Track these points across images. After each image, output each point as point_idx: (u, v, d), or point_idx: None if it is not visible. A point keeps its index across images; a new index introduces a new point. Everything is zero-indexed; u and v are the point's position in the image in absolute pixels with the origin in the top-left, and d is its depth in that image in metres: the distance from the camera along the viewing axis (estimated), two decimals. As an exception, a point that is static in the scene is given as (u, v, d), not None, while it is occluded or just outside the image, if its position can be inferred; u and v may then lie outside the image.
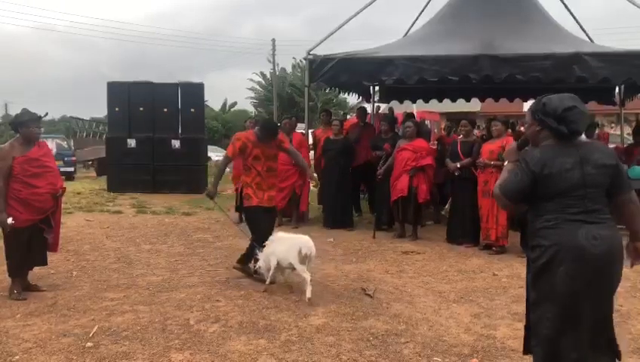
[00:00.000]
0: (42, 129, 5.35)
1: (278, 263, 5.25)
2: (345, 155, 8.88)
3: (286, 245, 5.23)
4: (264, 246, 5.39)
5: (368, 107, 12.10)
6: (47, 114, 5.37)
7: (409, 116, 10.58)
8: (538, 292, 2.86)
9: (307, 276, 5.03)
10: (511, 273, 6.18)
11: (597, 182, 2.78)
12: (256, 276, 5.64)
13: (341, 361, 3.78)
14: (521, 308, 4.93)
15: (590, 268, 2.71)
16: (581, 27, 10.59)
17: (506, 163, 3.16)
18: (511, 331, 4.37)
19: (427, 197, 7.97)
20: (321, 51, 8.92)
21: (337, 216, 8.82)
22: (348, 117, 13.02)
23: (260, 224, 5.74)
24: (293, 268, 5.20)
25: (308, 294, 4.93)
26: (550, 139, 2.85)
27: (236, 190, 9.65)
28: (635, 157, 8.63)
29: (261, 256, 5.40)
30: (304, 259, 5.10)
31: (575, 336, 2.77)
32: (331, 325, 4.46)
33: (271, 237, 5.41)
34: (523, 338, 3.13)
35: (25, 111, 5.23)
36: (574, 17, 10.61)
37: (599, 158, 2.80)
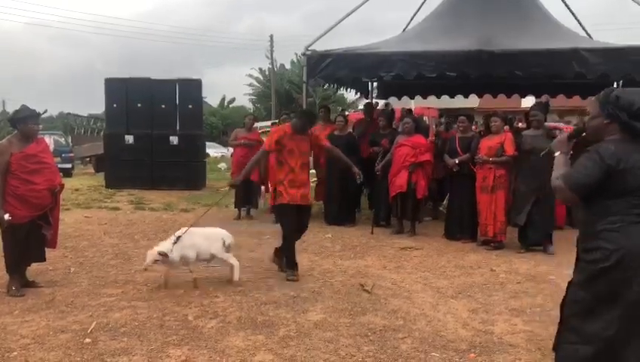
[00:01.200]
0: (41, 126, 5.34)
1: (196, 256, 5.40)
2: (349, 151, 8.84)
3: (208, 238, 5.49)
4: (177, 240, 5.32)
5: (365, 102, 12.10)
6: (46, 111, 5.37)
7: (408, 112, 10.58)
8: (594, 295, 2.72)
9: (235, 261, 5.48)
10: (509, 268, 6.19)
11: None
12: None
13: (339, 357, 3.79)
14: (519, 303, 4.97)
15: None
16: (579, 23, 10.60)
17: (556, 154, 2.98)
18: (509, 326, 4.38)
19: (426, 193, 7.97)
20: (319, 47, 8.92)
21: (339, 213, 8.81)
22: (346, 113, 12.98)
23: (289, 222, 5.69)
24: (211, 259, 5.53)
25: (235, 277, 5.41)
26: (617, 135, 2.70)
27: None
28: None
29: (175, 249, 5.23)
30: (228, 248, 5.53)
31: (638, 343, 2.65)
32: (329, 321, 4.46)
33: (181, 233, 5.37)
34: (556, 334, 3.08)
35: (24, 108, 5.21)
36: (572, 13, 10.61)
37: None
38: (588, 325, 2.73)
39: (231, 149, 11.11)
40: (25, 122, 5.06)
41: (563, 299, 3.04)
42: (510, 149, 6.97)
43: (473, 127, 9.12)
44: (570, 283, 3.00)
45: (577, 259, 2.93)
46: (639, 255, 2.59)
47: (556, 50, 7.72)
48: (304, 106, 9.92)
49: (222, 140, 33.71)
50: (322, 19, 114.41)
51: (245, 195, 9.42)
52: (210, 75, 79.32)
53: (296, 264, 5.68)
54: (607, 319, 2.67)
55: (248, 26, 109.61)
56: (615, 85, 11.03)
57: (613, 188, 2.64)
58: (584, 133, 2.99)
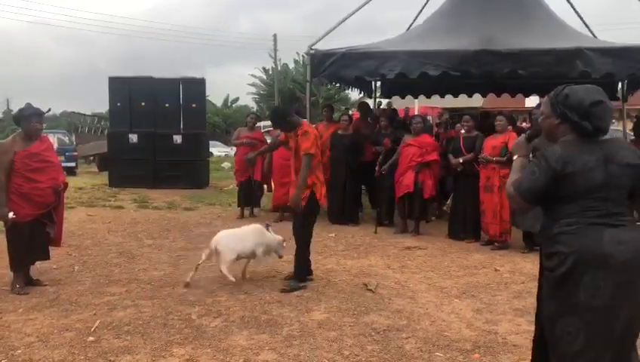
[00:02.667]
0: (44, 125, 5.35)
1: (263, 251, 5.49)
2: (353, 151, 8.86)
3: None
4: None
5: (370, 102, 12.10)
6: (49, 110, 5.37)
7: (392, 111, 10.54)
8: (557, 304, 2.56)
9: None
10: (513, 268, 6.18)
11: (620, 183, 2.52)
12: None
13: (343, 356, 3.79)
14: (523, 303, 4.96)
15: (617, 277, 2.43)
16: (583, 22, 10.55)
17: (514, 157, 2.88)
18: (513, 326, 4.37)
19: (433, 193, 7.96)
20: (321, 47, 8.90)
21: (343, 212, 8.81)
22: (350, 112, 12.99)
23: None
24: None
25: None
26: (569, 135, 2.59)
27: (238, 185, 9.66)
28: None
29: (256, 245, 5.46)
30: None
31: (607, 355, 2.47)
32: (333, 320, 4.46)
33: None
34: (532, 353, 2.94)
35: (28, 106, 5.22)
36: (577, 12, 10.57)
37: (624, 157, 2.53)
38: (557, 340, 2.57)
39: (234, 148, 11.10)
40: (28, 120, 5.07)
41: (537, 309, 2.91)
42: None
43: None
44: (538, 295, 2.87)
45: (540, 268, 2.80)
46: (595, 256, 2.44)
47: (560, 49, 7.68)
48: (307, 106, 9.91)
49: (225, 139, 33.74)
50: (323, 18, 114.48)
51: (248, 194, 9.43)
52: (214, 75, 79.42)
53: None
54: (570, 332, 2.50)
55: (251, 26, 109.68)
56: (620, 85, 11.04)
57: (564, 192, 2.53)
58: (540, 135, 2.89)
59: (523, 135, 3.04)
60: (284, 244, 5.68)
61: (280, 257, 5.70)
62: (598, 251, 2.44)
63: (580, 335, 2.48)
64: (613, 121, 21.56)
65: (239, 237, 5.53)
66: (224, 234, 5.59)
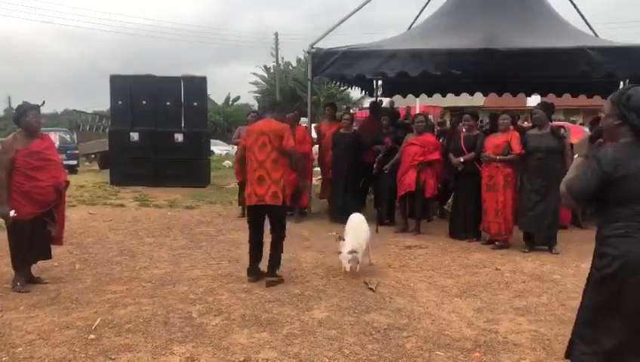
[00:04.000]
0: (42, 119, 5.34)
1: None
2: (354, 150, 8.85)
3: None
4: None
5: (370, 101, 12.10)
6: (44, 103, 5.35)
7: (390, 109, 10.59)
8: (597, 301, 2.66)
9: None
10: (513, 268, 6.17)
11: None
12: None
13: (343, 355, 3.78)
14: (524, 302, 4.96)
15: None
16: (585, 21, 10.53)
17: (575, 156, 2.88)
18: (513, 325, 4.37)
19: (435, 193, 7.95)
20: (322, 46, 8.89)
21: (344, 211, 8.79)
22: (351, 111, 13.00)
23: None
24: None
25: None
26: (629, 137, 2.60)
27: (239, 183, 9.65)
28: None
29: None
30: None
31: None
32: (333, 319, 4.46)
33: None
34: (568, 343, 2.98)
35: (24, 103, 5.23)
36: (578, 11, 10.55)
37: None
38: (593, 334, 2.66)
39: (235, 147, 11.10)
40: (25, 115, 5.07)
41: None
42: (517, 148, 6.94)
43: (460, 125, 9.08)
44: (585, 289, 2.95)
45: (593, 264, 2.86)
46: None
47: (562, 48, 7.67)
48: (309, 104, 9.90)
49: (226, 138, 33.75)
50: (324, 17, 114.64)
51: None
52: (215, 73, 79.60)
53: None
54: (609, 328, 2.60)
55: (253, 24, 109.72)
56: (621, 84, 11.01)
57: (615, 194, 2.57)
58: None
59: (586, 134, 3.06)
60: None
61: None
62: None
63: (622, 335, 2.56)
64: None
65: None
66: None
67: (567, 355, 2.99)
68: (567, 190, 2.69)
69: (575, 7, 10.53)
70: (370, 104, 11.55)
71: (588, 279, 2.86)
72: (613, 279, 2.58)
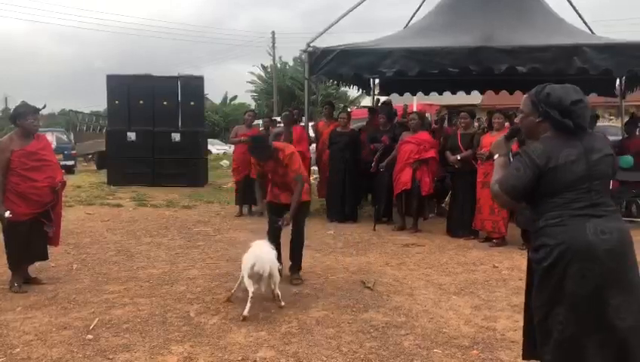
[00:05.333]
0: (40, 122, 5.33)
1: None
2: (351, 148, 8.86)
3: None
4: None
5: (368, 100, 12.10)
6: (44, 106, 5.35)
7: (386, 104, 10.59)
8: (547, 295, 2.63)
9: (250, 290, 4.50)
10: (511, 265, 6.18)
11: (602, 173, 2.61)
12: None
13: (341, 353, 3.79)
14: (522, 299, 4.91)
15: (603, 265, 2.50)
16: (581, 18, 10.54)
17: (495, 157, 2.93)
18: (511, 323, 4.37)
19: (431, 190, 7.96)
20: (319, 44, 8.89)
21: (341, 209, 8.81)
22: (349, 110, 13.00)
23: None
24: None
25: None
26: (549, 132, 2.66)
27: (236, 183, 9.65)
28: (630, 151, 8.65)
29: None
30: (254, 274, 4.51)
31: (600, 344, 2.53)
32: (331, 317, 4.46)
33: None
34: (522, 344, 2.99)
35: (23, 104, 5.22)
36: (574, 8, 10.56)
37: (601, 148, 2.63)
38: (550, 331, 2.63)
39: (232, 146, 11.11)
40: (24, 117, 5.05)
41: (525, 301, 2.95)
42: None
43: (476, 124, 9.10)
44: (526, 287, 2.91)
45: (528, 261, 2.86)
46: (580, 247, 2.52)
47: (558, 45, 7.69)
48: (306, 103, 9.89)
49: (224, 137, 33.74)
50: (319, 16, 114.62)
51: (246, 192, 9.41)
52: (212, 72, 79.35)
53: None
54: (561, 321, 2.58)
55: (249, 23, 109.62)
56: (618, 81, 11.03)
57: (548, 186, 2.60)
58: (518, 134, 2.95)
59: (502, 135, 3.08)
60: None
61: None
62: (583, 242, 2.52)
63: (570, 323, 2.55)
64: (612, 117, 21.61)
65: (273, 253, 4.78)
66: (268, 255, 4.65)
67: (525, 356, 2.98)
68: (501, 189, 2.70)
69: (571, 4, 10.55)
70: (382, 103, 11.55)
71: (528, 278, 2.85)
72: (554, 269, 2.58)
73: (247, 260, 4.55)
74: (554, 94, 2.64)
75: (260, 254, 4.55)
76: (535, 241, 2.70)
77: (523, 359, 3.05)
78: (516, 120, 2.97)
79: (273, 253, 4.69)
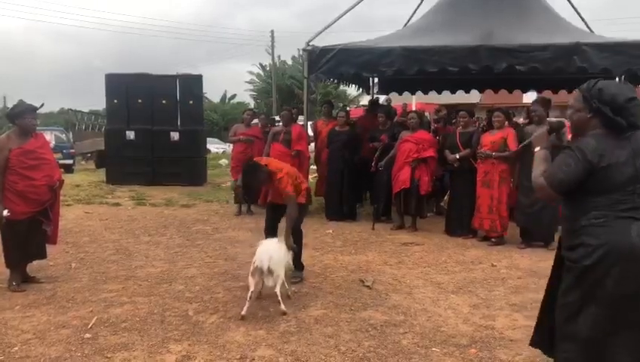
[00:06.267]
0: (38, 121, 5.32)
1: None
2: (350, 147, 8.86)
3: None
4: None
5: (367, 98, 12.09)
6: (43, 105, 5.34)
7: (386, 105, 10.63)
8: (582, 294, 2.63)
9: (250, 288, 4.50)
10: (510, 264, 6.18)
11: None
12: None
13: (340, 352, 3.79)
14: (520, 298, 4.96)
15: None
16: (581, 17, 10.54)
17: (536, 149, 2.91)
18: (509, 321, 4.38)
19: (429, 189, 7.96)
20: (318, 43, 8.88)
21: (340, 208, 8.81)
22: (348, 108, 12.98)
23: None
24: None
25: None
26: (599, 129, 2.62)
27: (235, 181, 9.64)
28: None
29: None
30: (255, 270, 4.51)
31: (629, 340, 2.57)
32: (330, 316, 4.46)
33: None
34: (533, 331, 3.01)
35: (21, 103, 5.21)
36: (574, 7, 10.56)
37: None
38: (578, 328, 2.65)
39: (231, 145, 11.10)
40: (22, 116, 5.04)
41: (543, 299, 2.97)
42: (513, 145, 6.95)
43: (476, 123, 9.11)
44: (549, 282, 2.92)
45: (557, 257, 2.85)
46: (624, 249, 2.52)
47: (558, 44, 7.68)
48: (305, 102, 9.88)
49: (223, 136, 33.72)
50: (317, 15, 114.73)
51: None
52: (211, 71, 79.38)
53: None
54: (595, 319, 2.59)
55: (248, 22, 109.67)
56: (617, 80, 11.02)
57: (596, 184, 2.57)
58: (564, 128, 2.93)
59: (544, 127, 3.04)
60: None
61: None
62: (627, 244, 2.51)
63: (606, 322, 2.56)
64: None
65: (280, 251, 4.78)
66: (270, 250, 4.65)
67: (531, 343, 3.07)
68: (547, 182, 2.67)
69: (571, 3, 10.55)
70: (369, 102, 11.59)
71: (554, 274, 2.86)
72: (594, 269, 2.57)
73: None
74: (607, 91, 2.61)
75: (262, 251, 4.58)
76: (572, 240, 2.68)
77: (530, 345, 3.11)
78: (523, 117, 2.95)
79: (280, 251, 4.70)
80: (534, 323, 4.27)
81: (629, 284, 2.52)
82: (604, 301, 2.56)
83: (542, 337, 3.00)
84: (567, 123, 2.95)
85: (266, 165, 5.16)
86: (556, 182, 2.65)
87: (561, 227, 2.88)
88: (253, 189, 5.19)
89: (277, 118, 12.95)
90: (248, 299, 4.42)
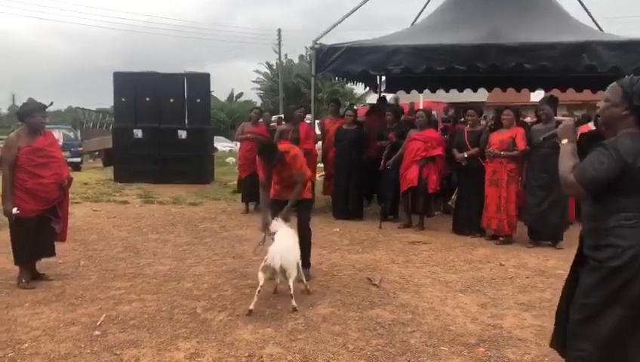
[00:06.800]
0: (47, 118, 5.35)
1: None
2: (357, 146, 8.85)
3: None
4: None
5: (375, 97, 12.09)
6: (52, 103, 5.36)
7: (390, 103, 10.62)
8: (603, 294, 2.59)
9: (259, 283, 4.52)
10: (518, 263, 6.16)
11: None
12: None
13: (348, 350, 3.79)
14: (528, 298, 4.95)
15: None
16: (590, 15, 10.47)
17: (563, 142, 2.77)
18: (518, 321, 4.36)
19: (437, 188, 7.94)
20: (324, 42, 8.87)
21: (347, 207, 8.80)
22: (355, 107, 12.96)
23: None
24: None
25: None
26: (633, 128, 2.55)
27: (242, 180, 9.65)
28: None
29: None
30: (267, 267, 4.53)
31: None
32: (338, 314, 4.46)
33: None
34: (554, 332, 2.99)
35: (30, 101, 5.24)
36: (583, 5, 10.49)
37: None
38: (598, 328, 2.62)
39: (238, 143, 11.11)
40: (32, 115, 5.07)
41: (561, 298, 2.94)
42: (522, 144, 6.92)
43: (483, 122, 9.09)
44: (567, 280, 2.89)
45: (578, 256, 2.81)
46: None
47: (566, 42, 7.63)
48: (312, 101, 9.89)
49: (230, 134, 33.75)
50: (327, 12, 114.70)
51: (252, 190, 9.41)
52: (217, 70, 79.36)
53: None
54: (618, 320, 2.56)
55: (253, 20, 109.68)
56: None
57: (627, 185, 2.51)
58: (590, 122, 2.88)
59: (570, 119, 2.96)
60: None
61: None
62: None
63: (630, 324, 2.53)
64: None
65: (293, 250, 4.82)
66: (282, 249, 4.64)
67: (552, 345, 3.01)
68: (577, 179, 2.57)
69: (580, 1, 10.48)
70: (377, 100, 11.59)
71: (573, 271, 2.82)
72: (623, 271, 2.53)
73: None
74: None
75: (276, 248, 4.60)
76: (599, 240, 2.62)
77: (550, 346, 3.08)
78: (531, 116, 2.90)
79: (293, 249, 4.76)
80: (542, 322, 4.29)
81: None
82: (629, 303, 2.53)
83: (563, 338, 2.93)
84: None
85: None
86: (587, 179, 2.55)
87: (581, 225, 2.80)
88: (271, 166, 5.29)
89: (274, 118, 12.96)
90: (257, 293, 4.45)
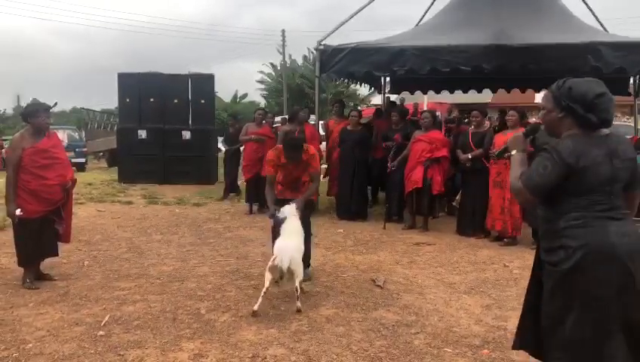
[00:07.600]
0: (52, 119, 5.35)
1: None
2: (362, 147, 8.85)
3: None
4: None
5: (379, 98, 12.08)
6: (56, 104, 5.37)
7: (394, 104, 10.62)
8: (562, 298, 2.56)
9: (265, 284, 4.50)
10: (522, 264, 6.13)
11: (622, 177, 2.55)
12: None
13: (351, 351, 3.78)
14: (533, 299, 4.93)
15: (624, 267, 2.46)
16: (595, 16, 10.44)
17: (512, 152, 2.83)
18: (522, 322, 4.34)
19: (442, 189, 7.92)
20: (329, 43, 8.87)
21: (351, 208, 8.80)
22: (359, 108, 12.98)
23: None
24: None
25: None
26: (574, 129, 2.56)
27: (246, 181, 9.65)
28: None
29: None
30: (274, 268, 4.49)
31: (623, 342, 2.50)
32: (341, 315, 4.45)
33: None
34: (516, 336, 2.98)
35: (34, 102, 5.24)
36: (588, 6, 10.46)
37: (625, 151, 2.57)
38: (566, 334, 2.56)
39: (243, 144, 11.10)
40: (36, 115, 5.07)
41: (525, 301, 2.92)
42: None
43: (487, 123, 9.06)
44: (529, 285, 2.87)
45: (536, 260, 2.80)
46: (603, 250, 2.46)
47: (571, 43, 7.61)
48: (316, 102, 9.89)
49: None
50: (331, 13, 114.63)
51: (256, 190, 9.42)
52: (222, 70, 79.45)
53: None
54: (581, 323, 2.52)
55: (257, 21, 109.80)
56: (632, 80, 10.92)
57: (574, 186, 2.52)
58: (540, 129, 2.90)
59: (520, 131, 3.04)
60: None
61: None
62: (607, 244, 2.47)
63: (592, 325, 2.50)
64: (627, 117, 21.41)
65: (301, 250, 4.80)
66: (291, 249, 4.62)
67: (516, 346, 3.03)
68: (524, 186, 2.59)
69: (585, 2, 10.45)
70: (387, 103, 11.61)
71: (534, 278, 2.81)
72: (575, 271, 2.51)
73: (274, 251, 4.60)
74: (576, 88, 2.56)
75: (283, 247, 4.57)
76: (552, 242, 2.61)
77: (513, 348, 3.10)
78: (536, 117, 2.91)
79: (299, 247, 4.75)
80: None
81: (611, 285, 2.46)
82: (588, 304, 2.50)
83: (526, 339, 2.92)
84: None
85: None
86: (533, 185, 2.57)
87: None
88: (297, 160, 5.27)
89: (278, 118, 12.96)
90: (262, 294, 4.44)
